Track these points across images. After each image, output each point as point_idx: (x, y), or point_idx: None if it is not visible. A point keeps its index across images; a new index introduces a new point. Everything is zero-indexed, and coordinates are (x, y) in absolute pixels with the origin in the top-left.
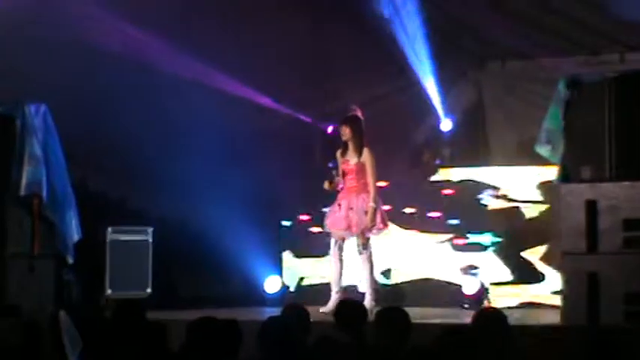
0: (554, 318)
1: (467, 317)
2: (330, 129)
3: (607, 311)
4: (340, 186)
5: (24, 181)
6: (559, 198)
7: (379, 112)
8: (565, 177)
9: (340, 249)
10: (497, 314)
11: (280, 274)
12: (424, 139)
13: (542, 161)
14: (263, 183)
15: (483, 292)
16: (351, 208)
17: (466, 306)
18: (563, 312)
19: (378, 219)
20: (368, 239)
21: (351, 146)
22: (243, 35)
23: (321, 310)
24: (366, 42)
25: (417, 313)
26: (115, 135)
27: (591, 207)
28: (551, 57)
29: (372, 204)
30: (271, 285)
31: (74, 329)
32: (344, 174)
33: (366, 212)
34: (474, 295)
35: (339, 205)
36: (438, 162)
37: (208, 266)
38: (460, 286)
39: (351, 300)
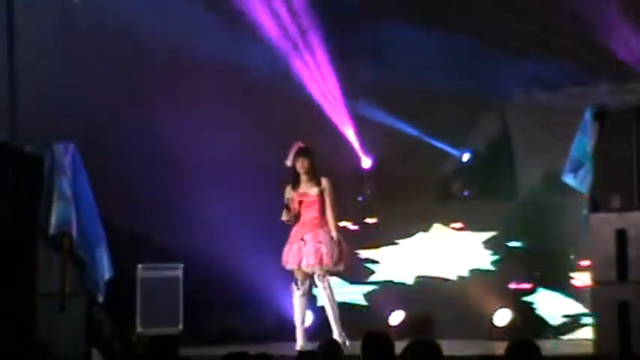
0: (587, 348)
1: (498, 349)
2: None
3: (638, 339)
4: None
5: (53, 220)
6: (589, 228)
7: (407, 142)
8: (594, 207)
9: (310, 287)
10: (531, 344)
11: (312, 307)
12: (452, 171)
13: (570, 191)
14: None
15: (515, 322)
16: (320, 242)
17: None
18: (595, 341)
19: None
20: (326, 272)
21: (306, 178)
22: None
23: (296, 348)
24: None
25: (447, 346)
26: (143, 172)
27: (621, 236)
28: (576, 86)
29: (334, 233)
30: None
31: None
32: (302, 208)
33: (334, 244)
34: (504, 326)
35: (303, 239)
36: (466, 193)
37: (240, 301)
38: (491, 317)
39: (376, 332)
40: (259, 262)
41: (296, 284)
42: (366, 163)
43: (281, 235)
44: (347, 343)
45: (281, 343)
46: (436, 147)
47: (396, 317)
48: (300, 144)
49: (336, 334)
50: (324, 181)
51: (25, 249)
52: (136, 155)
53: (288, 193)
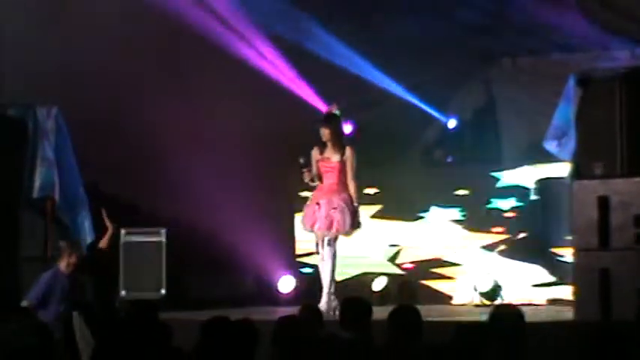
0: (567, 314)
1: (479, 315)
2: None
3: (619, 307)
4: (316, 182)
5: (36, 183)
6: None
7: (390, 110)
8: (576, 173)
9: (329, 244)
10: (515, 311)
11: (293, 273)
12: (435, 138)
13: (553, 158)
14: (277, 183)
15: (497, 289)
16: (335, 208)
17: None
18: (576, 308)
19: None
20: (337, 237)
21: (330, 145)
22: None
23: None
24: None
25: (429, 311)
26: (127, 136)
27: (603, 203)
28: (561, 53)
29: (356, 204)
30: (285, 284)
31: (87, 330)
32: (322, 172)
33: (348, 211)
34: (487, 292)
35: (318, 204)
36: (449, 160)
37: (222, 266)
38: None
39: (354, 297)
40: (241, 228)
41: (316, 248)
42: (347, 129)
43: (263, 201)
44: (337, 308)
45: (262, 308)
46: (421, 112)
47: (379, 283)
48: (329, 109)
49: (323, 301)
50: (348, 150)
51: (9, 212)
52: (120, 120)
53: (314, 154)
